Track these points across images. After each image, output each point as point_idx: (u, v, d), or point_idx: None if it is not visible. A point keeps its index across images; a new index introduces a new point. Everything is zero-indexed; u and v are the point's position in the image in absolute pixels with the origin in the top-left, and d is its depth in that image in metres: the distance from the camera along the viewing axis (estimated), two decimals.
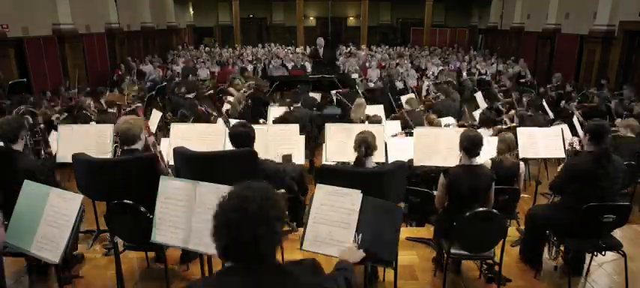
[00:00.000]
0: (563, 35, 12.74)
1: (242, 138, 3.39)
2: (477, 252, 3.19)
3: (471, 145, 3.15)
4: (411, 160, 4.20)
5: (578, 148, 4.16)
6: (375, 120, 5.31)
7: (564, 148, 4.77)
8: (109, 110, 5.92)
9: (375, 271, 3.33)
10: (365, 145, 3.13)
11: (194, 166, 3.33)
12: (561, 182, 3.42)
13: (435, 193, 3.51)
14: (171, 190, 2.55)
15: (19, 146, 3.29)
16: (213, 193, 2.41)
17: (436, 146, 4.08)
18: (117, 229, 3.03)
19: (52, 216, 2.54)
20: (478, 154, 3.19)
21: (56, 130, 4.58)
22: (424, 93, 10.05)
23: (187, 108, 6.51)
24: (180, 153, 3.34)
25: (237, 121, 4.28)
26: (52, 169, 3.93)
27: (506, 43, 15.82)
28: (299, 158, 4.35)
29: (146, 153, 3.30)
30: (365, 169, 3.15)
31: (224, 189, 1.53)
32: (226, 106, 7.14)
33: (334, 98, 8.63)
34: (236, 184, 1.46)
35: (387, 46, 17.28)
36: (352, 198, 2.45)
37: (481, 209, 3.04)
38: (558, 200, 3.69)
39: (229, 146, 4.00)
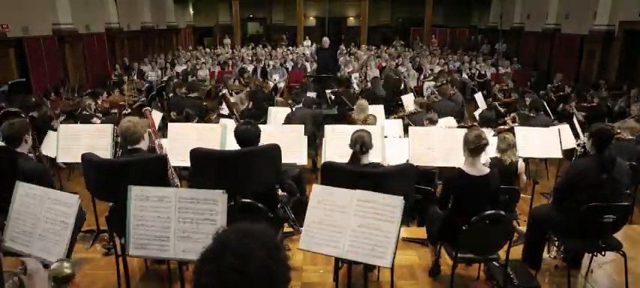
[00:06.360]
0: (563, 35, 12.73)
1: (250, 135, 3.20)
2: (483, 255, 3.16)
3: (476, 146, 3.01)
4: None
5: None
6: (369, 121, 5.23)
7: (561, 148, 4.75)
8: (112, 111, 5.90)
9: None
10: (360, 142, 3.07)
11: (216, 165, 3.16)
12: (563, 188, 3.31)
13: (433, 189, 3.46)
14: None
15: (23, 149, 3.32)
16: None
17: (431, 146, 4.08)
18: (119, 229, 3.01)
19: (50, 217, 2.53)
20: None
21: (55, 130, 4.58)
22: (425, 93, 10.03)
23: (191, 107, 6.48)
24: (199, 153, 3.16)
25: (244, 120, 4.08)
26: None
27: (507, 43, 15.82)
28: (301, 159, 4.33)
29: (157, 153, 3.27)
30: (370, 169, 3.09)
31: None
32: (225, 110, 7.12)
33: (329, 97, 8.63)
34: (231, 229, 1.17)
35: (385, 46, 17.26)
36: (349, 198, 2.45)
37: (489, 212, 2.94)
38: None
39: (228, 146, 4.01)
